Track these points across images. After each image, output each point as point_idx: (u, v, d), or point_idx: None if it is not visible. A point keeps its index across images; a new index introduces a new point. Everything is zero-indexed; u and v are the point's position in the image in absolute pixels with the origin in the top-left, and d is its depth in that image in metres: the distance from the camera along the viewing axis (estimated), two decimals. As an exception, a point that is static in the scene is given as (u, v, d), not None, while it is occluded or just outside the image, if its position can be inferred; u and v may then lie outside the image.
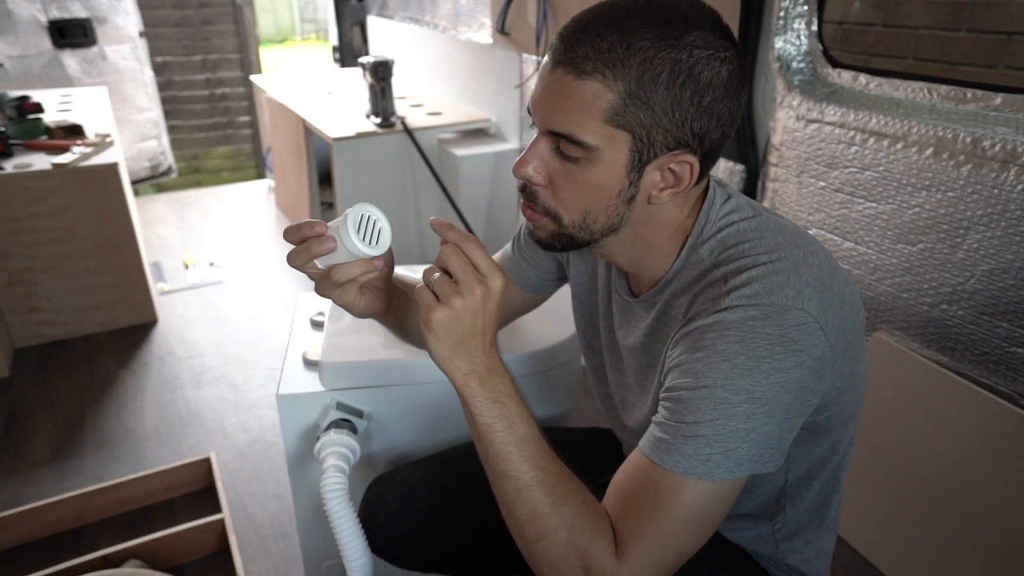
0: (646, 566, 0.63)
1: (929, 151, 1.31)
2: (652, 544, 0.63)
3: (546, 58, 0.67)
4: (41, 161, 2.26)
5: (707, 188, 0.75)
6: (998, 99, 1.21)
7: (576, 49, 0.63)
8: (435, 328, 0.66)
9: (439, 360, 0.68)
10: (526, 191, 0.72)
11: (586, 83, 0.63)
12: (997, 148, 1.20)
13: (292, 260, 0.73)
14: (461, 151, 2.63)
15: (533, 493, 0.66)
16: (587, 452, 1.09)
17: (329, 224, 0.72)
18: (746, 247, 0.69)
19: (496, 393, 0.67)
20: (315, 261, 0.73)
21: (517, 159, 0.70)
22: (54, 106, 2.95)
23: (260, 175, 4.74)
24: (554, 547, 0.65)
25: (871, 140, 1.41)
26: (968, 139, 1.25)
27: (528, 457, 0.66)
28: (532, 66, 2.39)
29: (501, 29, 2.41)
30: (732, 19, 1.59)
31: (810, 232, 0.76)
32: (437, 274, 0.67)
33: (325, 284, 0.75)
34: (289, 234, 0.73)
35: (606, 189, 0.68)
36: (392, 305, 0.85)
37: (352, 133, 2.66)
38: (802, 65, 1.54)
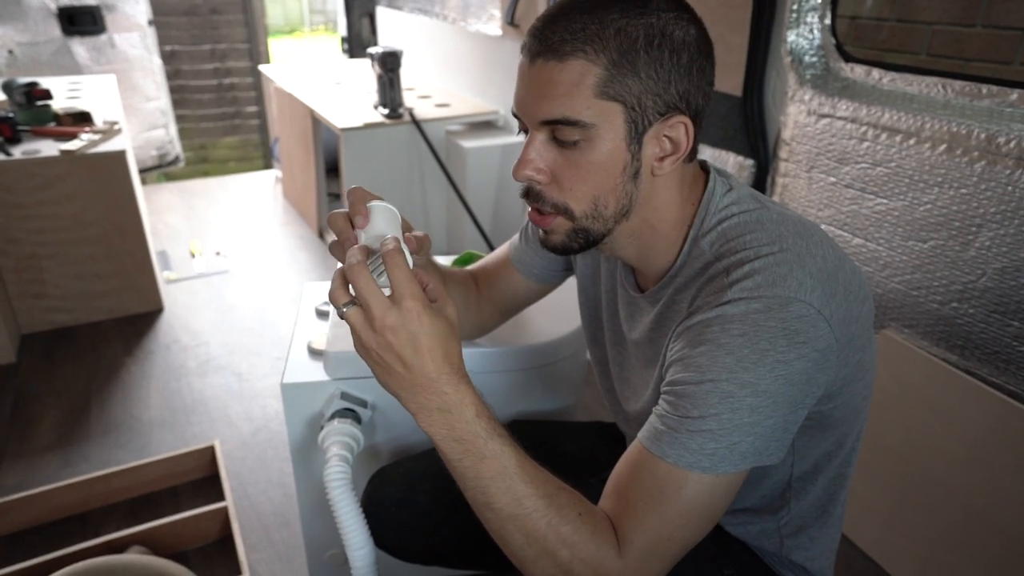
0: (650, 561, 0.63)
1: (942, 147, 1.29)
2: (656, 538, 0.63)
3: (521, 58, 0.67)
4: (49, 148, 2.26)
5: (707, 179, 0.75)
6: (1014, 95, 1.19)
7: (551, 37, 0.64)
8: (370, 366, 0.64)
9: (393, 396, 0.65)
10: (530, 194, 0.71)
11: (569, 64, 0.64)
12: (1012, 145, 1.19)
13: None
14: (469, 143, 2.62)
15: (520, 521, 0.62)
16: (591, 446, 1.09)
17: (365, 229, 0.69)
18: (748, 239, 0.68)
19: (455, 432, 0.62)
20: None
21: (515, 164, 0.69)
22: (63, 93, 2.96)
23: (267, 165, 4.75)
24: (556, 564, 0.63)
25: (883, 135, 1.39)
26: (983, 135, 1.23)
27: (507, 489, 0.62)
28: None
29: (511, 21, 2.40)
30: (744, 12, 1.57)
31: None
32: (345, 306, 0.63)
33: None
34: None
35: (611, 167, 0.67)
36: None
37: (360, 124, 2.65)
38: (814, 59, 1.53)
